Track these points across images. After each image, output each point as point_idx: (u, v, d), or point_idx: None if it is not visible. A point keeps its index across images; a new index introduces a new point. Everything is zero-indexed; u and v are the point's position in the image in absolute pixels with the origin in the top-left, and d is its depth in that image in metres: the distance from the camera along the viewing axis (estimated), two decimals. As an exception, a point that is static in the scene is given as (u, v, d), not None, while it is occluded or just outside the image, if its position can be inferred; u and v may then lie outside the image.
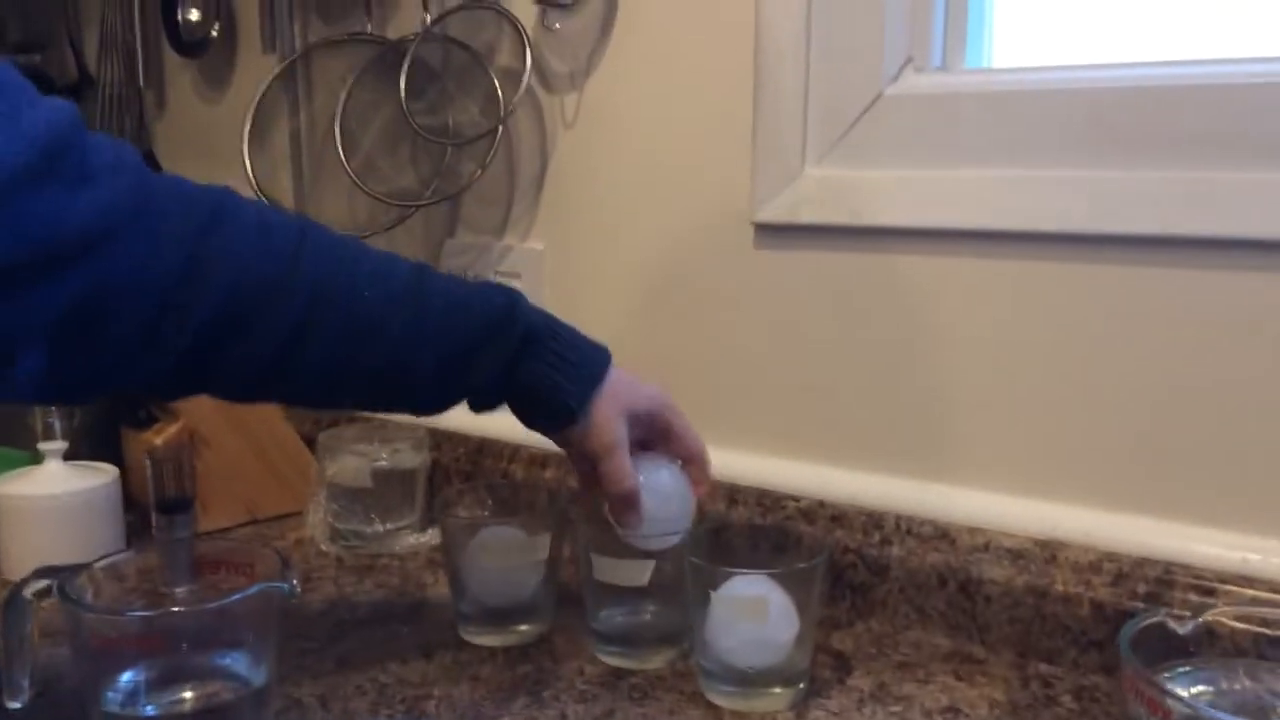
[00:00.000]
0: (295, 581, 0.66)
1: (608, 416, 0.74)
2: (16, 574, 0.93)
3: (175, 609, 0.65)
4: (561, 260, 1.04)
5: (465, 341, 0.71)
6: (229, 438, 1.04)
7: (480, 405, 0.76)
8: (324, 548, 1.00)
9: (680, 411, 0.78)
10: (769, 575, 0.73)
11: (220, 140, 1.18)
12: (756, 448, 0.93)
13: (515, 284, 1.05)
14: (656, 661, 0.78)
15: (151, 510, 0.94)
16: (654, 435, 0.78)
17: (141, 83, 1.30)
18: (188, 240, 0.63)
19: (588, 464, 0.77)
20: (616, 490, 0.75)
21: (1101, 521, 0.78)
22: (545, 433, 0.77)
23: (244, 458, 1.06)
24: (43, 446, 0.96)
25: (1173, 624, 0.61)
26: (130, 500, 1.00)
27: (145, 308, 0.62)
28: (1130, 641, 0.58)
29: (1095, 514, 0.78)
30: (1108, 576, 0.76)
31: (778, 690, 0.74)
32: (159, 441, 1.00)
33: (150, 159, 1.28)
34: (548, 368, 0.73)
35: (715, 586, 0.72)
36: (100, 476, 0.97)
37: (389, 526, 1.00)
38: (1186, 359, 0.75)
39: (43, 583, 0.65)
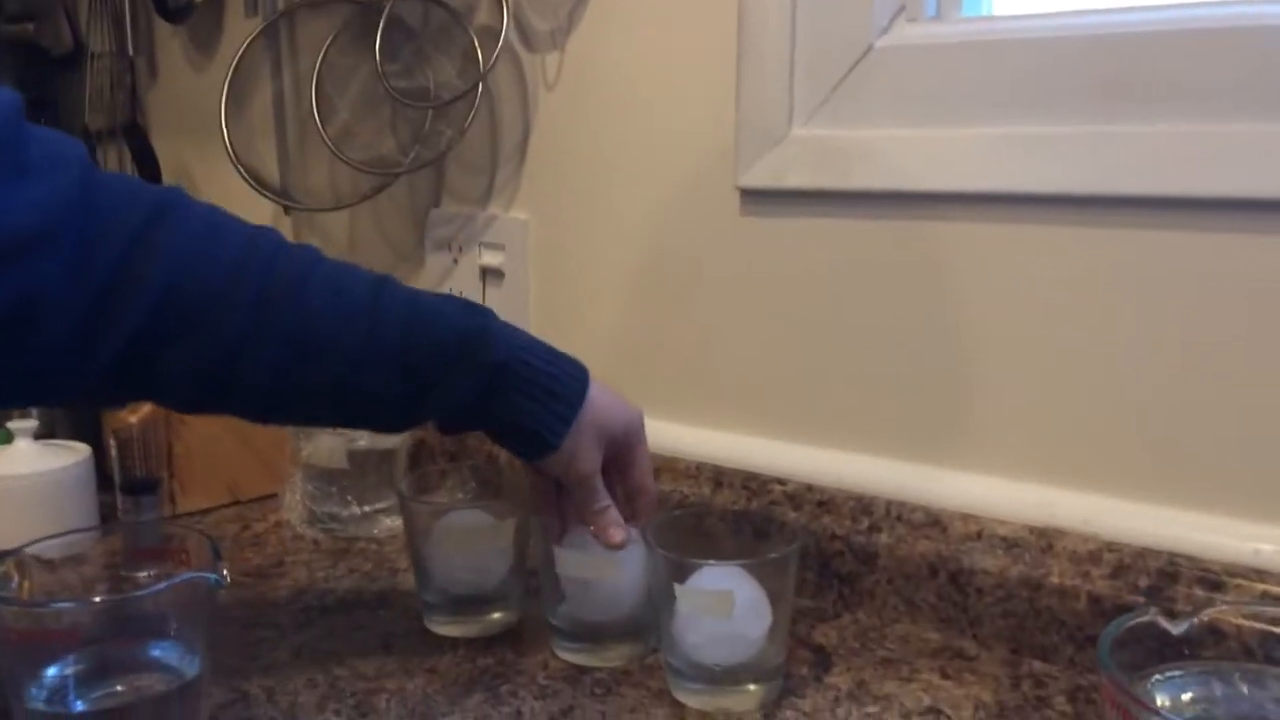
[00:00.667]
0: (225, 573, 0.62)
1: (584, 446, 0.70)
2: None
3: (93, 600, 0.62)
4: (546, 230, 0.99)
5: (429, 364, 0.66)
6: (208, 418, 1.01)
7: (449, 430, 0.71)
8: (301, 530, 0.97)
9: (645, 437, 0.74)
10: (740, 566, 0.68)
11: (208, 108, 1.14)
12: (743, 428, 0.88)
13: (500, 255, 1.01)
14: (616, 660, 0.74)
15: (116, 491, 0.91)
16: (614, 454, 0.72)
17: (131, 51, 1.27)
18: (126, 237, 0.60)
19: (550, 483, 0.74)
20: (589, 510, 0.72)
21: (1102, 508, 0.72)
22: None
23: (224, 438, 1.03)
24: (13, 425, 0.94)
25: (1165, 623, 0.55)
26: (106, 480, 0.98)
27: (78, 307, 0.59)
28: (1113, 643, 0.53)
29: (1095, 500, 0.73)
30: (1107, 568, 0.70)
31: (750, 688, 0.69)
32: (133, 420, 0.97)
33: (137, 129, 1.25)
34: (526, 399, 0.67)
35: (681, 579, 0.68)
36: (72, 456, 0.94)
37: (366, 509, 0.97)
38: (1196, 332, 0.69)
39: (-32, 566, 0.62)
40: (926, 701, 0.68)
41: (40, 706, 0.61)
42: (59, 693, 0.62)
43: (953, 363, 0.78)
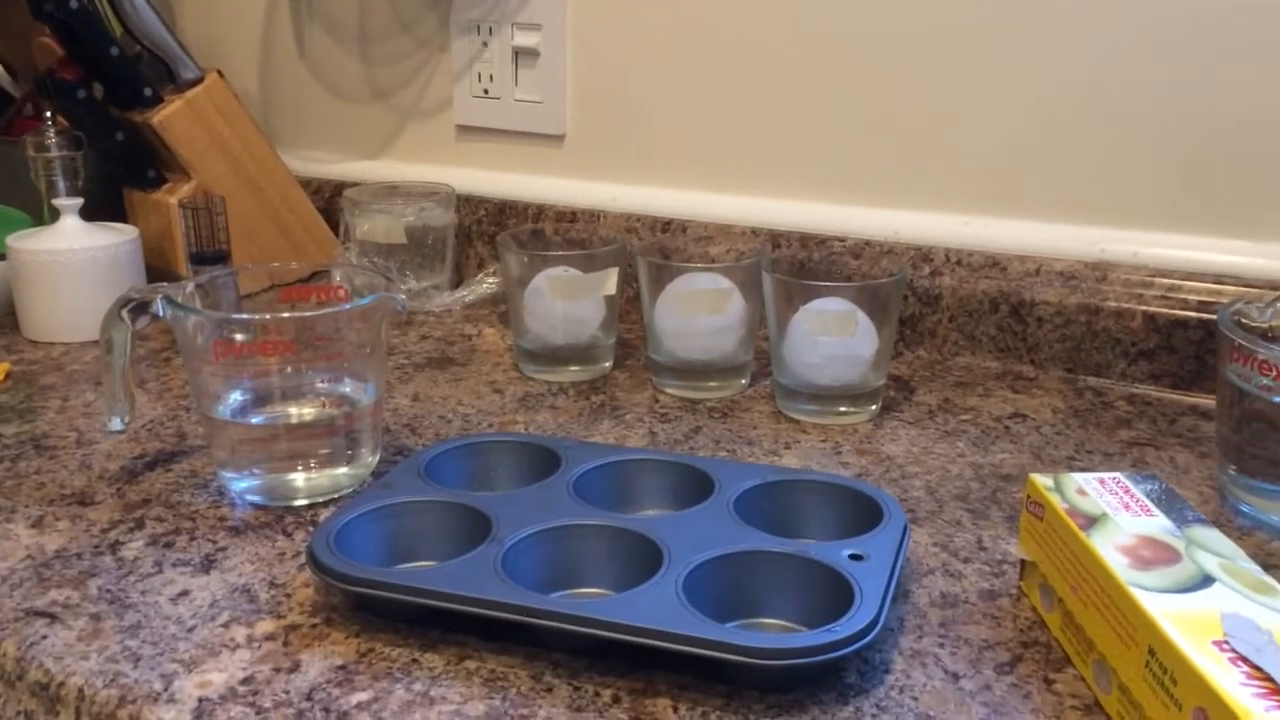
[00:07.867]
0: (405, 298, 0.65)
1: None
2: (39, 334, 0.91)
3: (283, 314, 0.64)
4: (588, 4, 1.00)
5: None
6: (244, 201, 1.01)
7: None
8: (356, 306, 0.99)
9: None
10: (854, 288, 0.74)
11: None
12: (798, 193, 0.94)
13: (535, 35, 1.02)
14: (720, 393, 0.81)
15: (186, 264, 0.91)
16: None
17: None
18: None
19: None
20: None
21: (1150, 241, 0.82)
22: None
23: (260, 222, 1.03)
24: (58, 203, 0.92)
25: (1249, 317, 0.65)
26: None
27: None
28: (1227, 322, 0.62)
29: (1142, 235, 0.82)
30: (1159, 290, 0.80)
31: (856, 406, 0.76)
32: (183, 191, 0.96)
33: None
34: None
35: (803, 301, 0.74)
36: (121, 234, 0.94)
37: (424, 284, 0.99)
38: (1241, 64, 0.77)
39: (136, 299, 0.63)
40: (1009, 409, 0.78)
41: (225, 417, 0.64)
42: (243, 408, 0.65)
43: (999, 112, 0.85)
